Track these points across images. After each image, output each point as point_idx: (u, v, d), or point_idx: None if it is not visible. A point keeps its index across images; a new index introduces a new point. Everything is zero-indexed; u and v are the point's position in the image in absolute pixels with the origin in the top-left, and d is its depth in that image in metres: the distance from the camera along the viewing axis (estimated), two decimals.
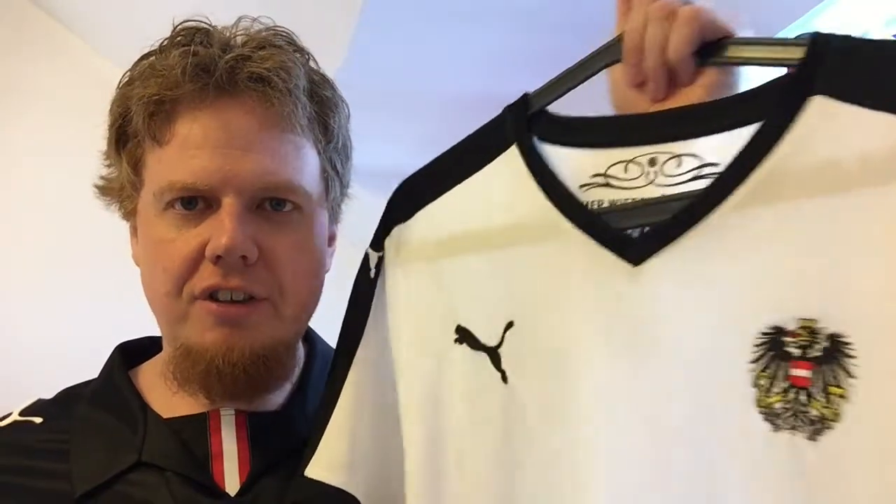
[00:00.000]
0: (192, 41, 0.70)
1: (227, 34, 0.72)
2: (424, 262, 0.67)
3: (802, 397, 0.48)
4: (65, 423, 0.75)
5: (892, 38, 0.50)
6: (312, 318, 0.81)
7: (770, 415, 0.49)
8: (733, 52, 0.57)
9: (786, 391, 0.48)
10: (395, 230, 0.70)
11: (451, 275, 0.65)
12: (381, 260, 0.70)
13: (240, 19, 0.73)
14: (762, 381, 0.49)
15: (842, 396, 0.46)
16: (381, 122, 1.68)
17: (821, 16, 1.37)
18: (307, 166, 0.73)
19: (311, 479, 0.69)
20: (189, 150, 0.69)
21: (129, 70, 0.73)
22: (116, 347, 0.82)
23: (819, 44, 0.51)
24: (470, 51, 1.57)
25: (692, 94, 0.59)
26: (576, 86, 0.63)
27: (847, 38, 0.50)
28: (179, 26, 0.72)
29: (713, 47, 0.57)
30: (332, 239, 0.83)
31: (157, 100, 0.69)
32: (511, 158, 0.63)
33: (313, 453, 0.69)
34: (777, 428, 0.48)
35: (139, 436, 0.73)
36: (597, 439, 0.54)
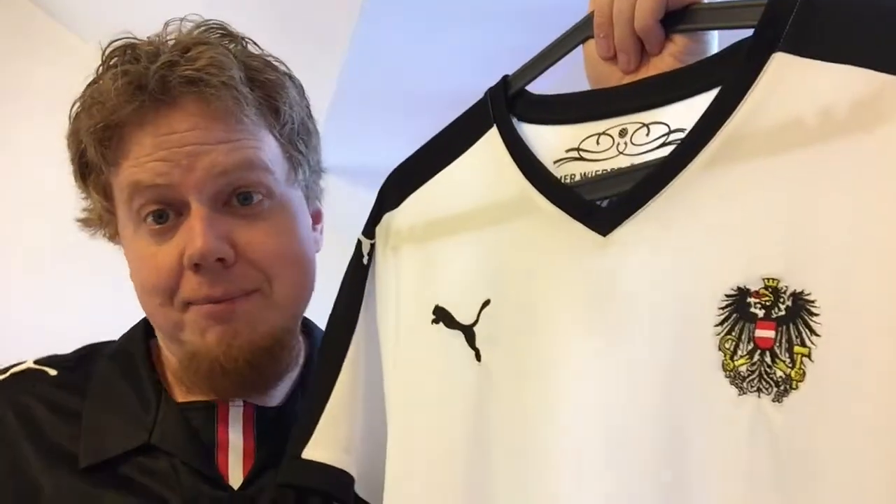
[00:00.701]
0: (121, 60, 0.71)
1: (157, 41, 0.72)
2: (412, 246, 0.68)
3: (767, 358, 0.47)
4: (80, 379, 0.76)
5: None
6: (309, 312, 0.82)
7: (736, 378, 0.48)
8: (699, 18, 0.57)
9: (751, 353, 0.47)
10: (385, 217, 0.71)
11: (436, 257, 0.66)
12: (372, 247, 0.71)
13: (167, 24, 0.73)
14: (728, 345, 0.48)
15: (806, 355, 0.45)
16: (380, 120, 1.69)
17: None
18: (265, 153, 0.73)
19: (306, 461, 0.69)
20: (142, 160, 0.70)
21: (78, 100, 0.73)
22: (143, 318, 0.82)
23: (778, 3, 0.50)
24: (470, 50, 1.58)
25: (662, 64, 0.59)
26: (552, 64, 0.64)
27: None
28: (107, 49, 0.72)
29: (679, 15, 0.57)
30: (317, 216, 0.82)
31: (102, 127, 0.70)
32: (491, 139, 0.64)
33: (308, 437, 0.70)
34: (743, 391, 0.47)
35: (151, 416, 0.73)
36: (568, 412, 0.54)
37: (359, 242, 0.72)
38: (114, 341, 0.82)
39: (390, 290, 0.69)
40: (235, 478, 0.73)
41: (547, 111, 0.63)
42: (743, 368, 0.48)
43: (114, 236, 0.78)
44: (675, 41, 0.59)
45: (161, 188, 0.69)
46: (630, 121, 0.58)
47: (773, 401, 0.46)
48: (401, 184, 0.70)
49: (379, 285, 0.71)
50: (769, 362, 0.47)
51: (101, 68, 0.72)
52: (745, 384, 0.48)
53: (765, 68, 0.50)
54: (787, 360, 0.46)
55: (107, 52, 0.72)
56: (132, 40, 0.72)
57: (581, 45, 0.64)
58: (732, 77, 0.51)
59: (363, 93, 1.54)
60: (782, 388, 0.46)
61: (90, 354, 0.80)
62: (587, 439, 0.53)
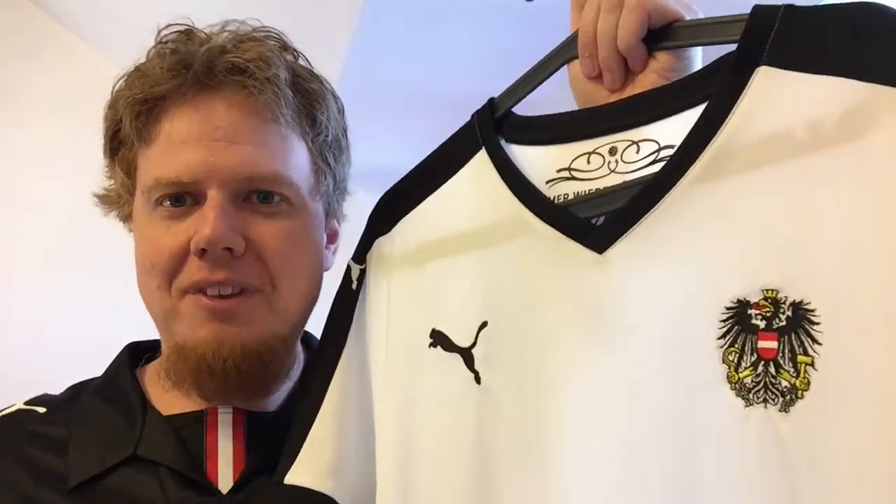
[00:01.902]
0: (173, 41, 0.71)
1: (212, 31, 0.73)
2: (404, 271, 0.68)
3: (772, 369, 0.47)
4: (67, 414, 0.76)
5: (834, 4, 0.50)
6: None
7: (741, 390, 0.48)
8: (681, 35, 0.57)
9: (755, 364, 0.48)
10: (377, 242, 0.71)
11: (429, 281, 0.66)
12: (362, 272, 0.71)
13: (227, 22, 0.74)
14: (731, 357, 0.49)
15: (810, 364, 0.46)
16: (380, 121, 1.69)
17: None
18: (294, 158, 0.73)
19: (287, 486, 0.69)
20: (173, 145, 0.70)
21: (123, 75, 0.74)
22: (126, 346, 0.83)
23: (759, 17, 0.51)
24: (471, 52, 1.57)
25: (646, 81, 0.59)
26: (538, 85, 0.64)
27: (788, 7, 0.50)
28: (164, 29, 0.73)
29: (662, 33, 0.58)
30: (333, 236, 0.82)
31: (141, 99, 0.70)
32: (480, 162, 0.64)
33: (293, 460, 0.70)
34: (749, 403, 0.48)
35: (136, 430, 0.73)
36: (571, 433, 0.54)
37: (348, 268, 0.73)
38: (99, 376, 0.81)
39: (381, 314, 0.69)
40: (225, 484, 0.72)
41: (535, 132, 0.63)
42: (748, 380, 0.48)
43: (127, 217, 0.78)
44: (658, 58, 0.59)
45: (184, 185, 0.69)
46: (619, 139, 0.58)
47: (780, 411, 0.47)
48: (391, 208, 0.71)
49: (370, 310, 0.71)
50: (773, 373, 0.47)
51: (152, 50, 0.73)
52: (751, 395, 0.48)
53: (750, 82, 0.50)
54: (792, 370, 0.47)
55: (162, 33, 0.73)
56: (189, 26, 0.73)
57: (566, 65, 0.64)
58: (718, 92, 0.51)
59: (363, 94, 1.54)
60: (788, 397, 0.47)
61: (78, 389, 0.80)
62: (594, 459, 0.53)
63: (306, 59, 0.77)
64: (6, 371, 1.99)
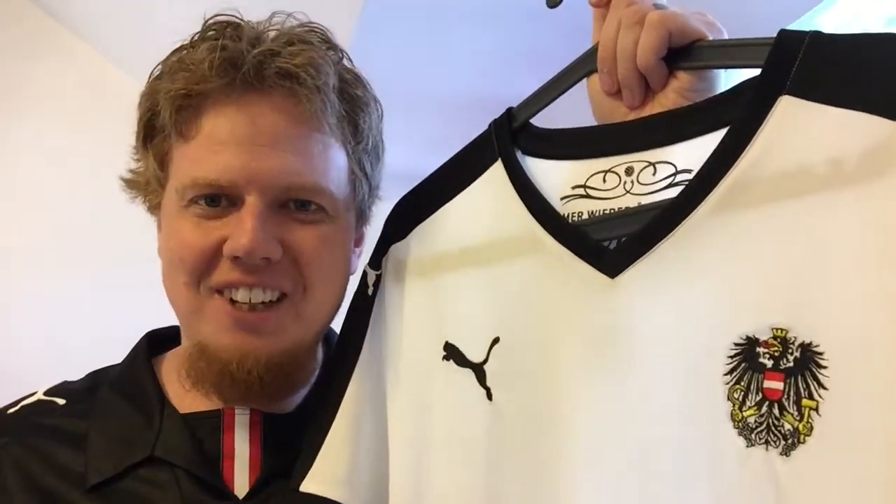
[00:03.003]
0: (221, 35, 0.69)
1: (259, 29, 0.71)
2: (418, 279, 0.68)
3: (776, 410, 0.46)
4: (87, 407, 0.76)
5: (862, 33, 0.49)
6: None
7: (744, 429, 0.47)
8: (702, 56, 0.56)
9: (759, 404, 0.47)
10: (392, 248, 0.71)
11: (443, 291, 0.65)
12: (378, 278, 0.71)
13: (273, 14, 0.72)
14: (736, 394, 0.48)
15: (814, 409, 0.45)
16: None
17: (822, 14, 1.35)
18: (334, 167, 0.72)
19: (303, 494, 0.69)
20: (214, 145, 0.68)
21: (161, 63, 0.72)
22: (144, 335, 0.82)
23: (784, 43, 0.49)
24: (470, 51, 1.56)
25: (666, 100, 0.58)
26: (556, 97, 0.63)
27: (815, 34, 0.49)
28: (210, 20, 0.71)
29: (683, 52, 0.56)
30: (359, 240, 0.82)
31: (183, 94, 0.68)
32: (496, 173, 0.64)
33: (308, 468, 0.70)
34: (751, 443, 0.47)
35: (154, 430, 0.73)
36: (578, 455, 0.54)
37: (364, 273, 0.72)
38: (118, 364, 0.82)
39: (396, 322, 0.69)
40: (241, 487, 0.72)
41: (552, 146, 0.62)
42: (751, 419, 0.47)
43: (154, 207, 0.76)
44: (678, 77, 0.58)
45: (221, 187, 0.68)
46: (636, 159, 0.57)
47: (781, 454, 0.46)
48: (406, 215, 0.70)
49: (385, 317, 0.70)
50: (777, 414, 0.46)
51: (196, 36, 0.71)
52: (753, 436, 0.47)
53: (771, 112, 0.49)
54: (795, 413, 0.46)
55: (208, 23, 0.71)
56: (237, 19, 0.71)
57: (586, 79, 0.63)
58: (739, 120, 0.50)
59: None
60: (790, 441, 0.46)
61: (96, 380, 0.80)
62: (599, 483, 0.52)
63: (349, 58, 0.75)
64: (6, 368, 1.99)
